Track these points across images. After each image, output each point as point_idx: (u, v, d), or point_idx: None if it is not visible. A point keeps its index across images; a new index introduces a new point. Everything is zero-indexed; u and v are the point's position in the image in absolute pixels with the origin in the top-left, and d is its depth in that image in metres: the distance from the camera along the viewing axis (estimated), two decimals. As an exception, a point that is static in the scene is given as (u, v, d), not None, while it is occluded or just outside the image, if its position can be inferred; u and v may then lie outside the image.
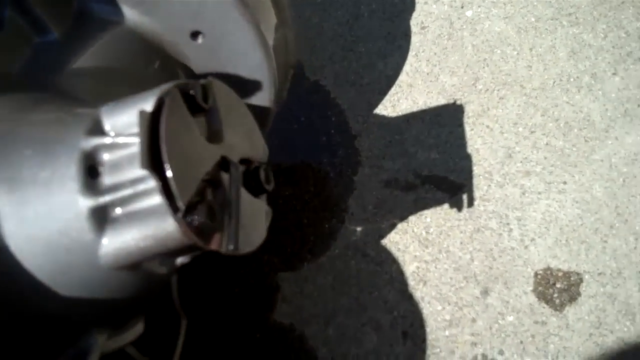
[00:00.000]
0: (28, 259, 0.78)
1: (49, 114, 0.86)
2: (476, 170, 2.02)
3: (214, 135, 0.93)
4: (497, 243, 1.89)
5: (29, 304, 0.83)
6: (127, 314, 1.03)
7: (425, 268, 1.89)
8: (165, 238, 0.76)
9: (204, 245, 0.79)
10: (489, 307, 1.81)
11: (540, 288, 1.80)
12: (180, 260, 0.87)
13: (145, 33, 1.17)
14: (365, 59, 2.34)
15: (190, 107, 0.87)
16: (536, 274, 1.83)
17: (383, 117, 2.18)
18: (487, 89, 2.17)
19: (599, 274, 1.80)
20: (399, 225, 1.97)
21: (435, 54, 2.29)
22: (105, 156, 0.78)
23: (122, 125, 0.78)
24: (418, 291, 1.86)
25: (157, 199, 0.75)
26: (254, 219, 0.96)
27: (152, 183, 0.75)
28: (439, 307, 1.83)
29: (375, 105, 2.22)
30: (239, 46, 1.20)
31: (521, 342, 1.74)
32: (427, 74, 2.25)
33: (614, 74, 2.12)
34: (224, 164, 0.91)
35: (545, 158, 2.00)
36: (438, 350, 1.77)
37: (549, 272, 1.82)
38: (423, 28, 2.36)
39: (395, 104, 2.21)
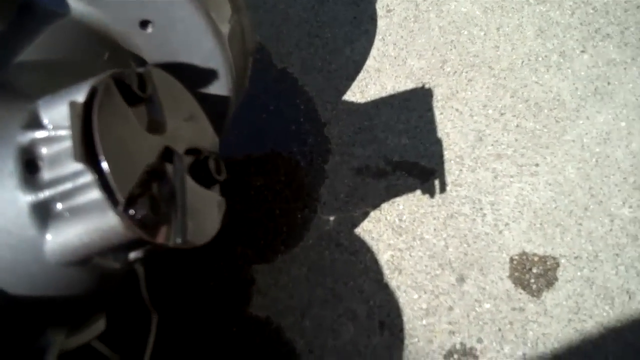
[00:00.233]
0: None
1: None
2: (447, 154, 1.93)
3: (155, 126, 0.89)
4: (471, 229, 1.81)
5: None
6: (85, 311, 0.99)
7: (399, 256, 1.81)
8: (108, 232, 0.74)
9: (149, 238, 0.76)
10: (466, 294, 1.73)
11: (516, 274, 1.73)
12: (133, 255, 0.84)
13: (92, 24, 1.11)
14: (331, 44, 2.24)
15: (127, 97, 0.84)
16: (512, 259, 1.75)
17: (352, 103, 2.09)
18: (455, 71, 2.08)
19: (575, 257, 1.72)
20: (372, 214, 1.89)
21: (402, 37, 2.20)
22: (44, 150, 0.75)
23: (59, 117, 0.75)
24: (393, 280, 1.78)
25: (96, 193, 0.73)
26: (204, 210, 0.93)
27: (90, 177, 0.72)
28: (415, 296, 1.75)
29: (344, 92, 2.13)
30: (190, 34, 1.15)
31: (499, 329, 1.67)
32: (395, 57, 2.16)
33: (582, 51, 2.04)
34: (168, 154, 0.88)
35: (516, 140, 1.92)
36: (416, 339, 1.69)
37: (524, 257, 1.75)
38: (389, 11, 2.26)
39: (364, 89, 2.12)
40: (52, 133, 0.75)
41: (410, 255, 1.81)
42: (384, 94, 2.10)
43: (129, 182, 0.75)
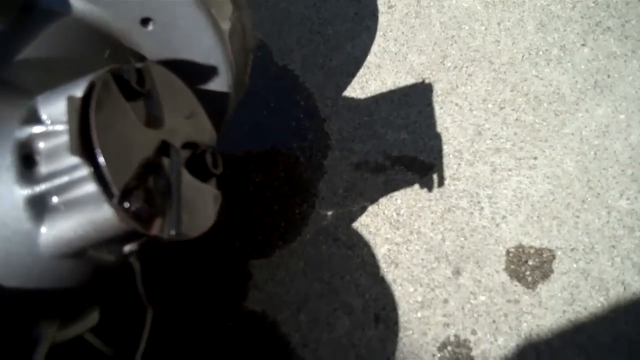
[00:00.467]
0: None
1: None
2: (446, 149, 1.93)
3: (153, 120, 0.90)
4: (468, 222, 1.80)
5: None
6: (78, 304, 0.99)
7: (396, 250, 1.80)
8: (103, 225, 0.74)
9: (144, 230, 0.77)
10: (461, 287, 1.72)
11: (512, 266, 1.72)
12: (128, 247, 0.84)
13: (93, 22, 1.11)
14: (333, 41, 2.25)
15: (126, 93, 0.84)
16: (508, 252, 1.74)
17: (352, 99, 2.09)
18: (456, 66, 2.08)
19: (572, 249, 1.71)
20: (370, 208, 1.88)
21: (402, 33, 2.20)
22: (41, 145, 0.76)
23: (57, 113, 0.76)
24: (390, 274, 1.77)
25: (91, 186, 0.73)
26: (200, 204, 0.93)
27: (86, 170, 0.73)
28: (411, 289, 1.74)
29: (344, 88, 2.13)
30: (191, 31, 1.15)
31: (494, 321, 1.66)
32: (395, 53, 2.16)
33: (583, 45, 2.03)
34: (165, 148, 0.88)
35: (515, 134, 1.91)
36: (410, 332, 1.69)
37: (520, 249, 1.74)
38: (390, 7, 2.27)
39: (364, 85, 2.12)
40: (50, 128, 0.75)
41: (407, 249, 1.80)
42: (384, 90, 2.10)
43: (125, 175, 0.76)
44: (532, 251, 1.73)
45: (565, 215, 1.76)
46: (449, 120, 1.98)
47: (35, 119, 0.77)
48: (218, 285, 1.85)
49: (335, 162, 1.99)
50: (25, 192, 0.74)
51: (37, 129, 0.76)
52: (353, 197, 1.92)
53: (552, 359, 1.59)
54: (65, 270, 0.82)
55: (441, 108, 2.01)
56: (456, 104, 2.01)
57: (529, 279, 1.69)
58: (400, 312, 1.72)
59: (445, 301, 1.71)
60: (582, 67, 1.99)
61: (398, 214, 1.86)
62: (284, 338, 1.74)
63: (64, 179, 0.74)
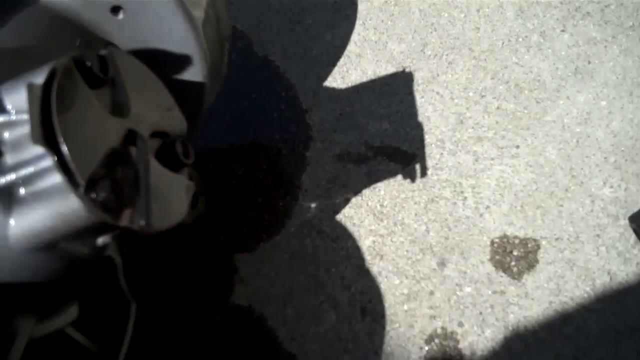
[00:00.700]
0: None
1: None
2: (428, 138, 1.90)
3: (118, 108, 0.88)
4: (451, 212, 1.77)
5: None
6: (55, 298, 0.97)
7: (381, 242, 1.77)
8: (70, 216, 0.72)
9: (112, 221, 0.74)
10: (447, 278, 1.69)
11: (497, 257, 1.69)
12: (101, 240, 0.80)
13: (62, 11, 1.07)
14: (313, 30, 2.20)
15: (89, 80, 0.81)
16: (492, 243, 1.71)
17: (333, 89, 2.06)
18: (436, 54, 2.05)
19: (556, 239, 1.69)
20: (353, 200, 1.85)
21: (382, 21, 2.16)
22: (6, 135, 0.73)
23: (21, 102, 0.73)
24: (375, 266, 1.74)
25: (56, 177, 0.71)
26: (170, 194, 0.91)
27: (50, 160, 0.70)
28: (397, 281, 1.71)
29: (325, 78, 2.09)
30: (162, 19, 1.11)
31: (480, 313, 1.63)
32: (375, 42, 2.12)
33: (562, 31, 2.00)
34: (131, 137, 0.85)
35: (497, 122, 1.88)
36: (397, 325, 1.66)
37: (505, 239, 1.71)
38: (369, -5, 2.23)
39: (345, 75, 2.08)
40: (14, 117, 0.73)
41: (392, 241, 1.77)
42: (364, 79, 2.06)
43: (90, 164, 0.73)
44: (516, 241, 1.70)
45: (548, 205, 1.74)
46: (431, 110, 1.95)
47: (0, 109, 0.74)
48: (203, 280, 1.81)
49: (318, 153, 1.95)
50: None
51: (1, 119, 0.73)
52: (336, 188, 1.88)
53: (540, 350, 1.57)
54: (38, 263, 0.79)
55: (422, 97, 1.98)
56: (437, 93, 1.97)
57: (515, 269, 1.67)
58: (386, 304, 1.69)
59: (431, 293, 1.68)
60: (563, 53, 1.96)
61: (382, 205, 1.83)
62: (271, 332, 1.71)
63: (30, 169, 0.72)
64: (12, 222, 0.73)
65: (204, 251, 1.86)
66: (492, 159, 1.83)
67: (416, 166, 1.86)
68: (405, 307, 1.68)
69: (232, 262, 1.83)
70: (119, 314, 1.22)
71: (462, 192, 1.80)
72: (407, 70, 2.03)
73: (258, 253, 1.84)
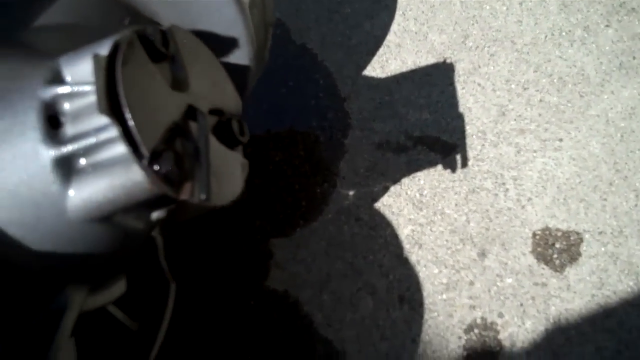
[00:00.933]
0: None
1: (7, 64, 0.81)
2: (469, 129, 1.89)
3: (178, 83, 0.88)
4: (493, 204, 1.76)
5: (-1, 260, 0.78)
6: (106, 271, 0.98)
7: (420, 231, 1.77)
8: (132, 187, 0.73)
9: (173, 194, 0.74)
10: (487, 269, 1.68)
11: (539, 249, 1.68)
12: (155, 214, 0.81)
13: None
14: (351, 19, 2.20)
15: (151, 55, 0.82)
16: (534, 235, 1.70)
17: (372, 78, 2.05)
18: (477, 46, 2.03)
19: (600, 232, 1.68)
20: (392, 188, 1.84)
21: (423, 12, 2.15)
22: (66, 106, 0.74)
23: (82, 73, 0.74)
24: (413, 255, 1.74)
25: (120, 147, 0.71)
26: (227, 171, 0.92)
27: (114, 131, 0.71)
28: (436, 271, 1.71)
29: (364, 67, 2.08)
30: (211, 2, 1.11)
31: (521, 304, 1.62)
32: (416, 32, 2.11)
33: (607, 26, 1.99)
34: (191, 113, 0.86)
35: (540, 115, 1.87)
36: (436, 314, 1.65)
37: (547, 232, 1.70)
38: (410, -14, 2.22)
39: (384, 64, 2.07)
40: (75, 89, 0.73)
41: (431, 230, 1.76)
42: (404, 69, 2.05)
43: (153, 136, 0.73)
44: (559, 234, 1.69)
45: (592, 198, 1.72)
46: (472, 101, 1.94)
47: (59, 80, 0.75)
48: (239, 264, 1.81)
49: (356, 141, 1.95)
50: (52, 152, 0.72)
51: (61, 90, 0.74)
52: (375, 177, 1.88)
53: (582, 343, 1.55)
54: (93, 236, 0.80)
55: (463, 88, 1.97)
56: (479, 84, 1.96)
57: (557, 262, 1.66)
58: (425, 293, 1.68)
59: (471, 283, 1.67)
60: (607, 48, 1.94)
61: (421, 195, 1.82)
62: (307, 318, 1.71)
63: (91, 140, 0.72)
64: (71, 193, 0.73)
65: (240, 235, 1.85)
66: (535, 151, 1.81)
67: (457, 156, 1.85)
68: (444, 296, 1.67)
69: (268, 247, 1.83)
70: (158, 293, 1.23)
71: (503, 183, 1.79)
72: (448, 61, 2.02)
73: (294, 238, 1.83)
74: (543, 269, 1.65)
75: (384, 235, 1.78)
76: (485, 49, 2.02)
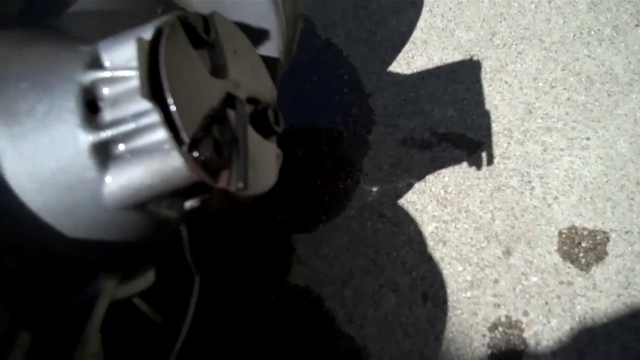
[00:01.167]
0: (31, 197, 0.74)
1: (45, 48, 0.81)
2: (495, 127, 1.89)
3: (217, 70, 0.88)
4: (518, 202, 1.76)
5: (33, 246, 0.78)
6: (137, 260, 0.99)
7: (444, 228, 1.77)
8: (171, 174, 0.72)
9: (211, 182, 0.75)
10: (512, 267, 1.68)
11: (565, 247, 1.68)
12: (189, 203, 0.80)
13: None
14: (377, 15, 2.20)
15: (192, 41, 0.82)
16: (560, 233, 1.70)
17: (397, 74, 2.05)
18: (505, 44, 2.03)
19: (626, 232, 1.67)
20: (416, 185, 1.84)
21: (450, 8, 2.15)
22: (105, 91, 0.73)
23: (121, 59, 0.73)
24: (437, 252, 1.74)
25: (160, 133, 0.71)
26: (263, 160, 0.92)
27: (154, 117, 0.70)
28: (460, 268, 1.70)
29: (389, 63, 2.09)
30: None
31: (546, 303, 1.62)
32: (442, 29, 2.11)
33: (636, 25, 1.98)
34: (229, 100, 0.86)
35: (567, 113, 1.86)
36: (459, 312, 1.65)
37: (573, 231, 1.69)
38: (437, -17, 2.22)
39: (410, 60, 2.07)
40: (115, 74, 0.73)
41: (455, 227, 1.76)
42: (430, 66, 2.05)
43: (194, 122, 0.74)
44: (585, 233, 1.69)
45: (619, 197, 1.72)
46: (498, 98, 1.94)
47: (97, 65, 0.74)
48: (261, 259, 1.81)
49: (380, 137, 1.95)
50: (90, 137, 0.71)
51: (101, 75, 0.73)
52: (398, 173, 1.88)
53: (608, 342, 1.55)
54: (127, 224, 0.80)
55: (490, 86, 1.97)
56: (505, 82, 1.96)
57: (583, 261, 1.65)
58: (448, 291, 1.68)
59: (496, 281, 1.67)
60: (636, 47, 1.94)
61: (446, 192, 1.82)
62: (329, 313, 1.71)
63: (130, 125, 0.71)
64: (108, 179, 0.73)
65: (262, 230, 1.85)
66: (562, 149, 1.81)
67: (482, 154, 1.85)
68: (469, 294, 1.67)
69: (290, 242, 1.83)
70: (183, 286, 1.24)
71: (529, 181, 1.78)
72: (475, 58, 2.02)
73: (317, 234, 1.83)
74: (569, 267, 1.65)
75: (408, 232, 1.78)
76: (512, 46, 2.02)
